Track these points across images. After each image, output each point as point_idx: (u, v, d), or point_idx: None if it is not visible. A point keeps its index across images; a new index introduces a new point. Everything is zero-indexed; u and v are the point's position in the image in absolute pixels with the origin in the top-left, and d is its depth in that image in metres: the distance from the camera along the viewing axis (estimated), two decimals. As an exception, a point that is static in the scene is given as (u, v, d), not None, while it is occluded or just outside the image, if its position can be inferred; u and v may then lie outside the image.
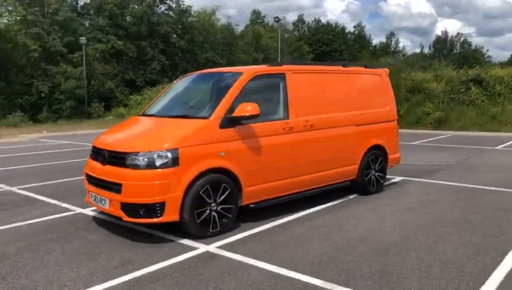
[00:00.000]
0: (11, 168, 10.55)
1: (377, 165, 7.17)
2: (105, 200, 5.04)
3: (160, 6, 42.56)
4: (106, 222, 5.67)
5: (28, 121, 30.04)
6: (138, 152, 4.81)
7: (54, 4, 34.67)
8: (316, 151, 6.19)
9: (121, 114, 32.58)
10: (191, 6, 43.82)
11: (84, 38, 34.06)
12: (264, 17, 66.28)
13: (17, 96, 32.06)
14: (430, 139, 15.97)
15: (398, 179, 8.42)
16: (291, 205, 6.21)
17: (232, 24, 54.28)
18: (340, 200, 6.71)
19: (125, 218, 4.85)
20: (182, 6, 42.67)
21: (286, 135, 5.79)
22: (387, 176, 8.36)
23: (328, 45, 65.32)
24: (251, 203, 5.56)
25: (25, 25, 33.90)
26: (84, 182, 5.61)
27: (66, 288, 3.76)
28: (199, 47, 44.25)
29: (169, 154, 4.75)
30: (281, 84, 5.91)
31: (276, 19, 26.72)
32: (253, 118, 5.24)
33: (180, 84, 6.59)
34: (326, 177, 6.40)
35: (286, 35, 64.72)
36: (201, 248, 4.73)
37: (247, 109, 5.16)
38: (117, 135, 5.50)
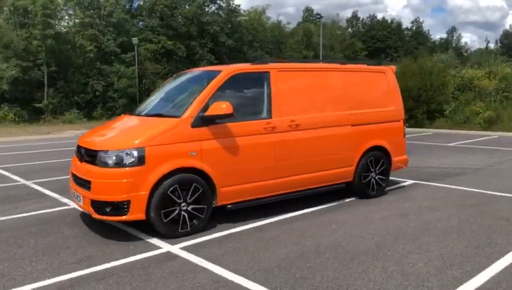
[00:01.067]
0: (41, 162, 11.15)
1: (377, 168, 6.80)
2: (80, 196, 5.17)
3: (210, 6, 43.28)
4: (91, 219, 5.81)
5: (83, 118, 31.79)
6: (107, 150, 4.88)
7: (108, 7, 36.28)
8: (303, 152, 5.97)
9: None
10: (239, 5, 44.15)
11: (136, 38, 35.39)
12: (317, 14, 65.32)
13: (74, 94, 33.93)
14: (471, 140, 14.97)
15: (409, 182, 7.97)
16: (280, 206, 6.07)
17: (283, 22, 54.07)
18: (334, 203, 6.45)
19: (94, 215, 4.94)
20: (231, 5, 43.07)
21: (268, 135, 5.63)
22: (397, 179, 7.99)
23: (383, 42, 63.36)
24: (228, 204, 5.47)
25: (82, 27, 35.82)
26: (70, 179, 5.80)
27: (13, 281, 3.88)
28: (248, 46, 44.52)
29: (135, 153, 4.78)
30: (264, 83, 5.76)
31: (318, 16, 26.19)
32: (226, 117, 5.15)
33: (169, 83, 6.62)
34: (316, 179, 6.16)
35: (339, 32, 63.55)
36: (165, 247, 4.72)
37: (220, 108, 5.07)
38: (97, 134, 5.62)
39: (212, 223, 5.47)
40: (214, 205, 5.34)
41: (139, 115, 5.90)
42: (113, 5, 36.51)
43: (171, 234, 4.97)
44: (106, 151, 4.87)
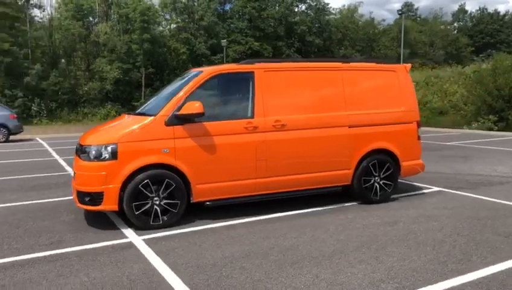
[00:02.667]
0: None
1: (382, 172, 6.42)
2: (72, 187, 5.72)
3: (300, 6, 43.41)
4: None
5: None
6: (90, 145, 5.33)
7: (200, 11, 38.28)
8: (289, 153, 5.88)
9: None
10: (328, 4, 43.57)
11: (225, 40, 36.94)
12: (417, 9, 61.78)
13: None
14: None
15: (433, 189, 7.37)
16: (273, 206, 6.10)
17: (377, 19, 52.06)
18: (330, 206, 6.24)
19: (77, 204, 5.43)
20: (319, 4, 42.71)
21: (249, 135, 5.66)
22: (422, 185, 7.47)
23: (493, 36, 57.77)
24: (207, 201, 5.62)
25: (177, 31, 38.32)
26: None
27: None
28: (337, 44, 43.79)
29: (109, 149, 5.16)
30: (248, 83, 5.78)
31: (400, 12, 24.79)
32: (197, 116, 5.30)
33: (171, 83, 6.93)
34: (305, 181, 6.02)
35: (442, 27, 59.39)
36: (130, 238, 5.03)
37: (192, 107, 5.25)
38: (94, 131, 6.11)
39: (191, 218, 5.68)
40: (191, 202, 5.53)
41: (132, 114, 6.28)
42: (205, 9, 38.41)
43: (143, 225, 5.27)
44: (90, 146, 5.32)
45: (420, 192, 7.22)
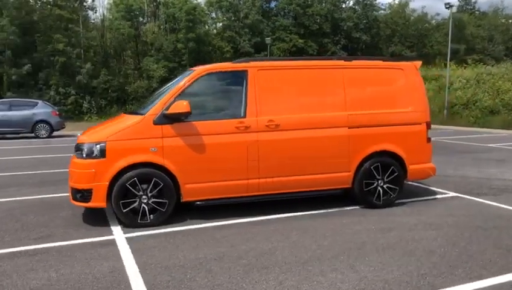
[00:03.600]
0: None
1: (386, 176, 6.09)
2: (71, 184, 5.88)
3: (348, 1, 42.49)
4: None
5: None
6: (83, 143, 5.45)
7: (245, 9, 38.44)
8: (283, 154, 5.72)
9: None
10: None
11: (269, 38, 36.84)
12: (475, 3, 58.46)
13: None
14: None
15: (448, 195, 6.94)
16: (270, 207, 6.02)
17: (430, 14, 49.88)
18: (329, 210, 6.02)
19: (70, 200, 5.57)
20: (367, 0, 41.56)
21: (240, 134, 5.56)
22: (438, 190, 7.07)
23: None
24: (197, 201, 5.60)
25: (222, 30, 38.74)
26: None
27: (-28, 248, 4.72)
28: (385, 41, 42.42)
29: (98, 147, 5.25)
30: (241, 82, 5.68)
31: (447, 5, 23.42)
32: (184, 115, 5.28)
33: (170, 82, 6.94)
34: (300, 183, 5.83)
35: (503, 21, 55.85)
36: (115, 235, 5.09)
37: (179, 106, 5.24)
38: (92, 129, 6.22)
39: (183, 218, 5.68)
40: (181, 201, 5.52)
41: (128, 113, 6.34)
42: (249, 7, 38.53)
43: (131, 223, 5.33)
44: (83, 144, 5.44)
45: (432, 197, 6.80)
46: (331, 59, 6.33)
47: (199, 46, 35.74)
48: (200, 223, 5.51)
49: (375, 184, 6.08)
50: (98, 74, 33.73)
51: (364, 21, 41.24)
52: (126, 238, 5.00)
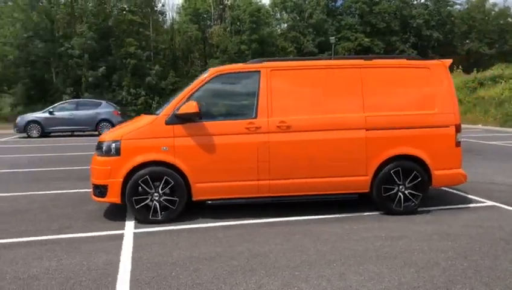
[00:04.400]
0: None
1: (407, 181, 5.76)
2: (94, 181, 6.20)
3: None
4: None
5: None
6: (103, 141, 5.74)
7: (309, 9, 38.15)
8: (295, 156, 5.61)
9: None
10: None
11: (333, 38, 36.26)
12: None
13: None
14: None
15: (485, 204, 6.41)
16: (285, 209, 5.97)
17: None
18: (343, 214, 5.81)
19: (91, 195, 5.88)
20: (440, -5, 39.44)
21: (251, 135, 5.55)
22: (474, 198, 6.61)
23: None
24: (208, 200, 5.67)
25: (287, 30, 38.78)
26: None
27: (4, 234, 5.16)
28: (460, 38, 39.94)
29: (113, 145, 5.50)
30: (253, 83, 5.66)
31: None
32: (193, 115, 5.38)
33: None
34: (313, 186, 5.69)
35: None
36: (126, 229, 5.31)
37: (188, 107, 5.35)
38: (114, 128, 6.49)
39: (194, 216, 5.78)
40: (193, 200, 5.63)
41: (146, 114, 6.52)
42: (314, 7, 38.17)
43: (142, 219, 5.53)
44: (103, 142, 5.74)
45: (464, 205, 6.31)
46: (349, 58, 6.09)
47: (262, 47, 36.07)
48: (209, 222, 5.57)
49: (395, 189, 5.77)
50: (167, 76, 35.28)
51: (437, 17, 39.11)
52: (134, 233, 5.19)
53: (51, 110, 18.82)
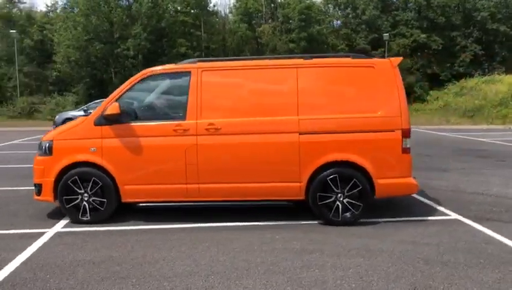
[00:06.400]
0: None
1: (346, 189, 5.30)
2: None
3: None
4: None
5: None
6: (41, 141, 5.85)
7: (362, 5, 36.81)
8: (224, 159, 5.38)
9: (417, 110, 31.63)
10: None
11: (387, 34, 34.71)
12: None
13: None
14: None
15: (448, 217, 5.77)
16: (239, 213, 5.79)
17: None
18: (279, 222, 5.48)
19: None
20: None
21: (179, 138, 5.40)
22: (442, 210, 6.06)
23: None
24: (138, 202, 5.62)
25: (336, 28, 37.78)
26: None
27: None
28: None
29: (47, 145, 5.62)
30: (184, 84, 5.49)
31: None
32: (115, 117, 5.34)
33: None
34: (244, 191, 5.42)
35: None
36: (53, 228, 5.39)
37: (111, 108, 5.32)
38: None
39: (126, 217, 5.75)
40: (122, 201, 5.60)
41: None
42: (367, 2, 36.77)
43: (73, 219, 5.59)
44: (41, 142, 5.86)
45: (422, 218, 5.70)
46: (287, 58, 5.72)
47: (311, 45, 35.40)
48: (138, 225, 5.52)
49: (332, 198, 5.33)
50: (216, 75, 35.76)
51: (504, 10, 36.00)
52: (56, 233, 5.27)
53: (85, 108, 19.83)
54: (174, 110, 5.60)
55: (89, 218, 5.56)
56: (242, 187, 5.42)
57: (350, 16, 38.10)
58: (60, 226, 5.52)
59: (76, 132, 5.59)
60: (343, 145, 5.28)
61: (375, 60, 5.48)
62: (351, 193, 5.30)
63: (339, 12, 39.83)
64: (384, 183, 5.30)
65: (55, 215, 5.98)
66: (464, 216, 5.72)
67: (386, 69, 5.36)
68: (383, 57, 34.91)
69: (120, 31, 35.89)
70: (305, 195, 5.40)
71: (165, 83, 5.76)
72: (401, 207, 6.25)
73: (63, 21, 36.32)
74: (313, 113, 5.33)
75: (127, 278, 3.95)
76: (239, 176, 5.40)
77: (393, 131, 5.27)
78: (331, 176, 5.29)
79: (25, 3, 45.31)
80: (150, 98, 5.77)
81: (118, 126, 5.46)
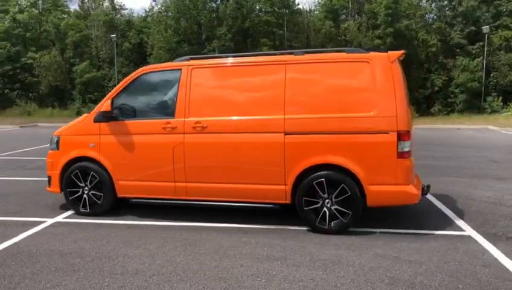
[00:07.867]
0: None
1: (334, 195, 4.87)
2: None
3: None
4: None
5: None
6: (52, 136, 6.23)
7: (459, -5, 33.83)
8: (209, 158, 5.26)
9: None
10: None
11: (487, 27, 31.55)
12: None
13: (412, 90, 34.13)
14: None
15: (461, 233, 5.01)
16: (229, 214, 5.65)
17: None
18: (269, 226, 5.22)
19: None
20: None
21: (167, 135, 5.39)
22: (457, 223, 5.35)
23: None
24: (132, 198, 5.74)
25: (428, 22, 35.20)
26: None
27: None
28: None
29: (55, 139, 5.98)
30: (174, 82, 5.47)
31: None
32: (107, 114, 5.50)
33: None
34: (228, 192, 5.25)
35: None
36: (51, 219, 5.69)
37: (104, 106, 5.50)
38: None
39: (119, 212, 5.90)
40: (118, 196, 5.76)
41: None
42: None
43: (75, 210, 5.89)
44: (52, 137, 6.23)
45: (430, 232, 5.01)
46: (278, 54, 5.40)
47: (398, 41, 33.34)
48: (130, 220, 5.63)
49: (319, 203, 4.93)
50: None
51: None
52: (54, 223, 5.58)
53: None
54: (165, 108, 5.61)
55: (88, 211, 5.80)
56: (228, 188, 5.25)
57: (446, 8, 35.21)
58: (62, 216, 5.84)
59: (79, 128, 5.88)
60: (332, 147, 4.85)
61: (371, 54, 4.92)
62: (339, 199, 4.86)
63: (432, 5, 37.02)
64: (376, 190, 4.77)
65: (65, 206, 6.33)
66: (480, 233, 4.92)
67: (383, 64, 4.80)
68: (482, 52, 31.85)
69: (207, 32, 37.27)
70: (292, 199, 5.06)
71: (158, 81, 5.81)
72: (415, 217, 5.58)
73: (156, 24, 38.77)
74: (300, 112, 4.98)
75: (78, 271, 4.03)
76: (225, 176, 5.24)
77: (387, 133, 4.71)
78: (318, 180, 4.89)
79: (127, 9, 49.23)
80: (143, 96, 5.85)
81: (113, 123, 5.62)
